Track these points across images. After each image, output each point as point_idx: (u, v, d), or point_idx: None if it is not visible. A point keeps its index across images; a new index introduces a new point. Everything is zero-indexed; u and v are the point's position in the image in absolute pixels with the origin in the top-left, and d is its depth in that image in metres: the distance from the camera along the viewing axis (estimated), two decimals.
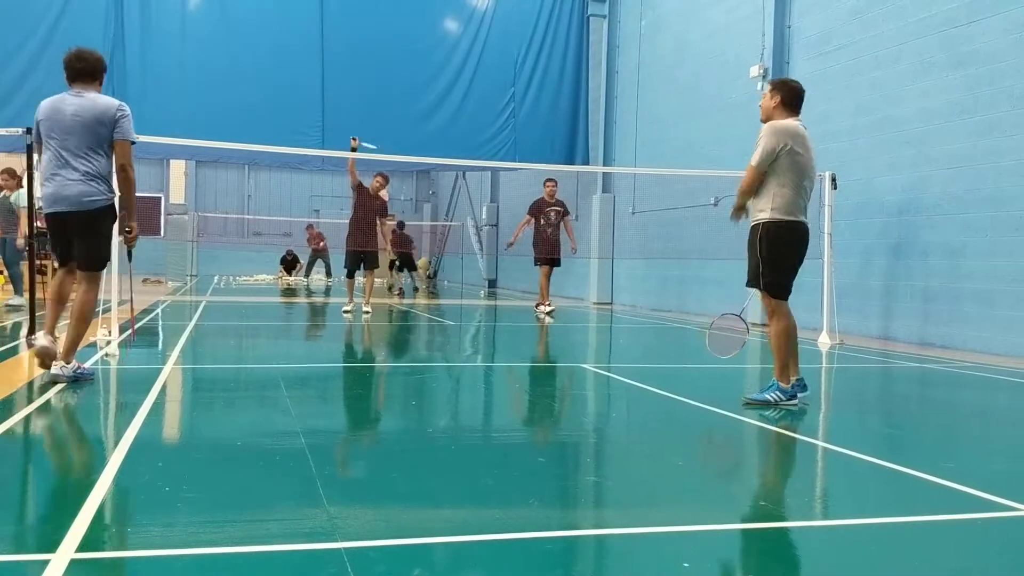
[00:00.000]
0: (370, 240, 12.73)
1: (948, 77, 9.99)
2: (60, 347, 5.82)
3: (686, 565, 2.74)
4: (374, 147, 12.53)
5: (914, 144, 10.47)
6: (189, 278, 26.39)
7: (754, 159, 5.45)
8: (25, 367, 6.84)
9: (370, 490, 3.54)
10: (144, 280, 22.52)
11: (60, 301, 5.98)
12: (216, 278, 27.14)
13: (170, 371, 6.72)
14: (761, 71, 13.01)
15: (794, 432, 4.93)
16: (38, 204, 7.96)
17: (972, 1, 9.68)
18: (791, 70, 12.70)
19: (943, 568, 2.82)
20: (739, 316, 6.24)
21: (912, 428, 5.52)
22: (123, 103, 6.15)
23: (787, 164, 5.37)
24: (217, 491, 3.42)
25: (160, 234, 31.47)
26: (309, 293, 20.51)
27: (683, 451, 4.55)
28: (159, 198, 32.51)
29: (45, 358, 5.80)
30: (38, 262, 11.00)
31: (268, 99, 17.03)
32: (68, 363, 5.81)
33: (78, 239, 5.84)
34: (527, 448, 4.64)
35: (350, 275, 13.23)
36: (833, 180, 10.52)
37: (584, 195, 19.63)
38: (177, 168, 32.12)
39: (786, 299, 5.61)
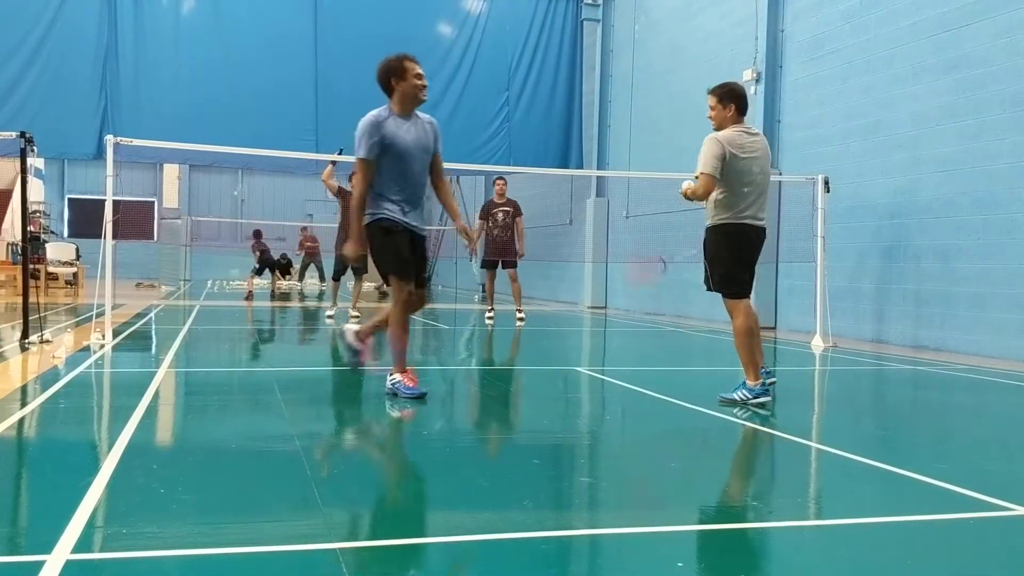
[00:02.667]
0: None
1: (939, 81, 10.05)
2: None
3: (680, 564, 2.75)
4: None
5: (906, 147, 10.52)
6: (182, 282, 26.35)
7: (706, 167, 5.55)
8: (19, 370, 6.83)
9: (365, 491, 3.55)
10: (137, 284, 22.50)
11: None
12: (209, 282, 27.10)
13: (164, 375, 6.71)
14: (754, 75, 13.06)
15: (787, 434, 4.95)
16: (32, 208, 7.94)
17: (963, 5, 9.74)
18: (784, 74, 12.75)
19: (936, 568, 2.84)
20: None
21: (905, 429, 5.54)
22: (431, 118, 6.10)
23: (727, 172, 5.54)
24: (212, 493, 3.42)
25: (153, 238, 31.45)
26: (302, 297, 20.49)
27: (677, 453, 4.57)
28: (152, 202, 32.49)
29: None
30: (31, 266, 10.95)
31: (262, 103, 17.03)
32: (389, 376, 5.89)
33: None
34: (521, 450, 4.65)
35: (335, 277, 12.97)
36: (826, 183, 10.56)
37: (578, 199, 19.67)
38: (170, 172, 32.08)
39: (742, 298, 5.71)
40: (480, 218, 13.17)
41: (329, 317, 12.36)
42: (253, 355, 9.17)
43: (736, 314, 5.66)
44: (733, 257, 5.69)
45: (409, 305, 5.78)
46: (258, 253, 21.10)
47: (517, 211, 12.96)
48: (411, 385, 5.70)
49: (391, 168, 5.59)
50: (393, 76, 5.64)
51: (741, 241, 5.67)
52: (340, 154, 12.32)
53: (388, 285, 5.74)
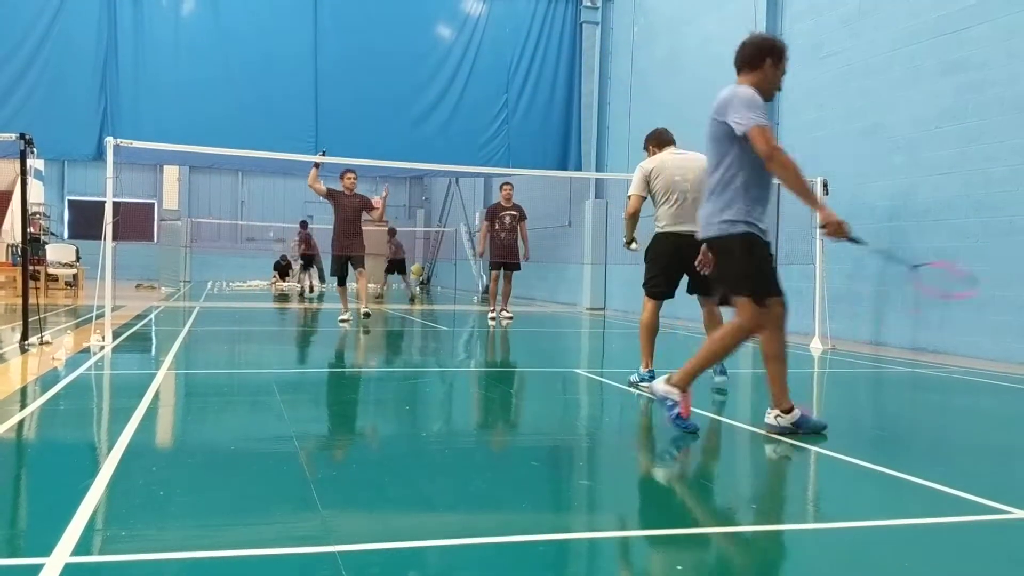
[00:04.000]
0: (354, 242, 12.37)
1: (938, 84, 10.06)
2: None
3: (679, 568, 2.76)
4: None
5: (905, 150, 10.53)
6: (182, 284, 26.36)
7: (629, 189, 6.62)
8: (19, 371, 6.84)
9: (364, 493, 3.55)
10: (137, 286, 22.51)
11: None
12: (209, 284, 27.10)
13: (164, 376, 6.72)
14: None
15: (785, 436, 4.95)
16: (32, 209, 7.94)
17: (962, 9, 9.76)
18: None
19: (933, 572, 2.85)
20: None
21: (903, 432, 5.55)
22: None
23: (655, 188, 6.47)
24: (211, 495, 3.43)
25: (153, 240, 31.46)
26: (302, 299, 20.50)
27: (676, 455, 4.57)
28: (152, 204, 32.49)
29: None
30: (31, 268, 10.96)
31: (261, 105, 17.05)
32: (785, 412, 4.80)
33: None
34: (520, 451, 4.66)
35: (341, 283, 12.68)
36: (824, 186, 10.57)
37: (577, 201, 19.68)
38: (170, 174, 32.10)
39: (654, 299, 6.52)
40: (486, 220, 13.30)
41: (343, 322, 12.05)
42: (252, 356, 9.17)
43: (644, 311, 6.58)
44: (659, 264, 6.48)
45: (771, 321, 4.74)
46: (303, 246, 21.46)
47: (522, 215, 13.25)
48: (684, 416, 4.72)
49: (756, 161, 4.53)
50: (770, 56, 4.89)
51: (672, 250, 6.38)
52: (324, 155, 12.33)
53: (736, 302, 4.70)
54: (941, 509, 3.51)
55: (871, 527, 3.22)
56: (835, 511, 3.57)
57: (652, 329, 6.55)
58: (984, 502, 3.50)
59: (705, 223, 4.72)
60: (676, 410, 4.69)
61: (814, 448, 4.60)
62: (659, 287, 6.49)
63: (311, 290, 21.82)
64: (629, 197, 6.61)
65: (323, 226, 28.79)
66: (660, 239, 6.45)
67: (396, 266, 21.70)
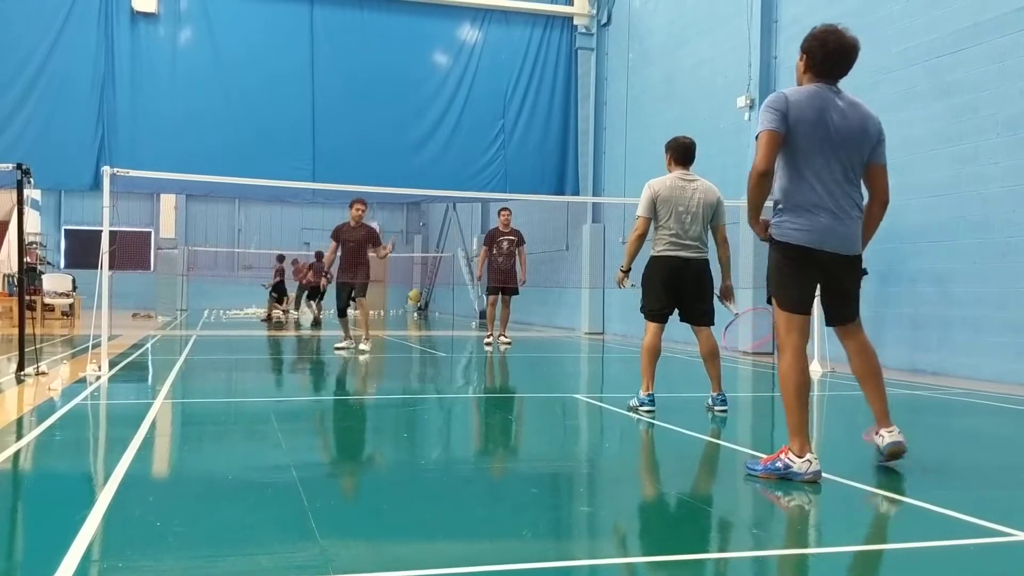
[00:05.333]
0: (359, 272, 12.31)
1: (932, 106, 10.12)
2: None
3: None
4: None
5: (899, 172, 10.52)
6: (179, 312, 26.31)
7: (637, 211, 6.59)
8: (15, 402, 6.80)
9: (362, 522, 3.52)
10: (134, 315, 22.45)
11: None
12: (206, 312, 27.06)
13: (160, 405, 6.69)
14: (748, 101, 13.15)
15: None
16: (29, 239, 7.94)
17: (954, 31, 9.83)
18: None
19: None
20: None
21: (904, 455, 5.52)
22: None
23: (658, 211, 6.44)
24: (208, 525, 3.40)
25: (150, 268, 31.44)
26: (298, 326, 20.47)
27: (676, 480, 4.55)
28: (149, 232, 32.51)
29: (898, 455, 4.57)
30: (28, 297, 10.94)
31: (258, 133, 17.12)
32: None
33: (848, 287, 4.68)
34: (519, 479, 4.63)
35: (341, 313, 12.49)
36: None
37: (574, 225, 19.72)
38: (167, 202, 32.14)
39: (655, 322, 6.49)
40: (484, 245, 13.33)
41: (338, 350, 11.99)
42: (250, 385, 9.14)
43: (646, 334, 6.50)
44: (656, 286, 6.47)
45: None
46: (279, 278, 21.69)
47: (521, 240, 13.28)
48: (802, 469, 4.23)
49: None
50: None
51: (667, 272, 6.42)
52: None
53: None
54: (944, 532, 3.49)
55: (873, 552, 3.20)
56: (837, 535, 3.55)
57: (654, 352, 6.49)
58: (987, 525, 3.47)
59: (853, 241, 4.53)
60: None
61: None
62: (657, 307, 6.47)
63: (312, 320, 22.00)
64: (637, 218, 6.57)
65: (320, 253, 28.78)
66: (656, 262, 6.48)
67: (311, 292, 21.96)
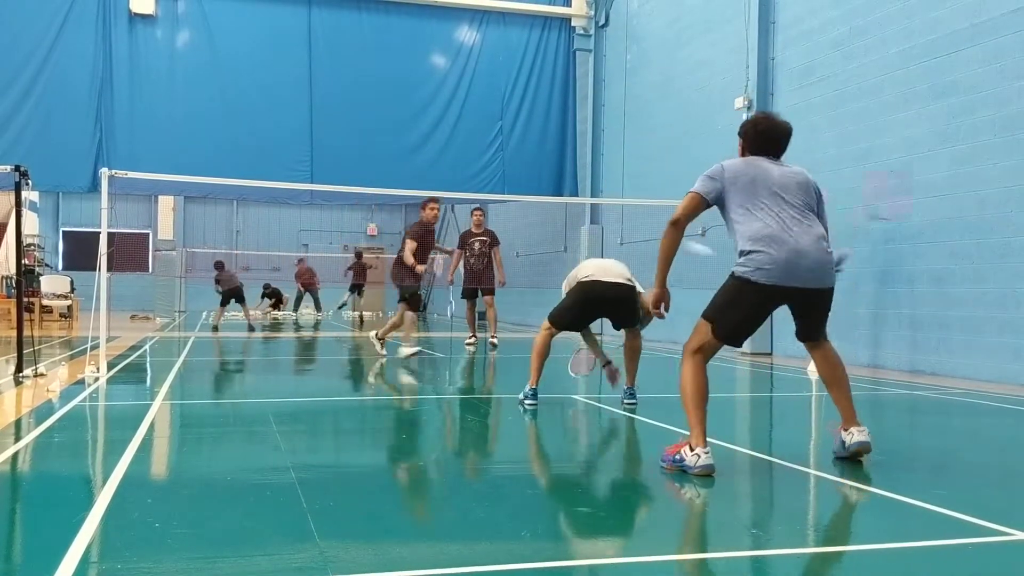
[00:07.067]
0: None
1: (930, 107, 10.13)
2: None
3: None
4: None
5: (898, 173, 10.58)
6: (177, 314, 26.28)
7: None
8: (13, 403, 6.80)
9: (361, 523, 3.52)
10: (132, 316, 22.43)
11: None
12: (204, 313, 27.01)
13: (159, 407, 6.68)
14: (746, 103, 13.15)
15: (785, 460, 4.93)
16: (27, 241, 7.92)
17: (953, 32, 9.84)
18: (775, 102, 12.84)
19: None
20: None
21: (903, 455, 5.52)
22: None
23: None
24: (207, 527, 3.39)
25: (148, 270, 31.41)
26: (298, 328, 20.46)
27: (674, 480, 4.55)
28: (147, 234, 32.49)
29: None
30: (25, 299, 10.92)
31: (257, 134, 17.11)
32: None
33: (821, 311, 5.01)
34: (518, 480, 4.62)
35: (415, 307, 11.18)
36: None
37: (572, 226, 19.72)
38: (165, 204, 32.08)
39: (554, 328, 6.97)
40: (458, 248, 13.21)
41: (381, 353, 11.21)
42: (248, 386, 9.13)
43: (540, 330, 7.01)
44: (571, 306, 6.96)
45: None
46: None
47: (494, 241, 13.02)
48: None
49: None
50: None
51: (586, 298, 6.87)
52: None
53: None
54: (943, 532, 3.49)
55: (872, 551, 3.20)
56: (837, 535, 3.55)
57: (542, 354, 6.96)
58: (986, 524, 3.47)
59: (820, 274, 4.83)
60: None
61: (814, 472, 4.57)
62: (564, 322, 6.98)
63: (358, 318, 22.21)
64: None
65: (317, 255, 28.82)
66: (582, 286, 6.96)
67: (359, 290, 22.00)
